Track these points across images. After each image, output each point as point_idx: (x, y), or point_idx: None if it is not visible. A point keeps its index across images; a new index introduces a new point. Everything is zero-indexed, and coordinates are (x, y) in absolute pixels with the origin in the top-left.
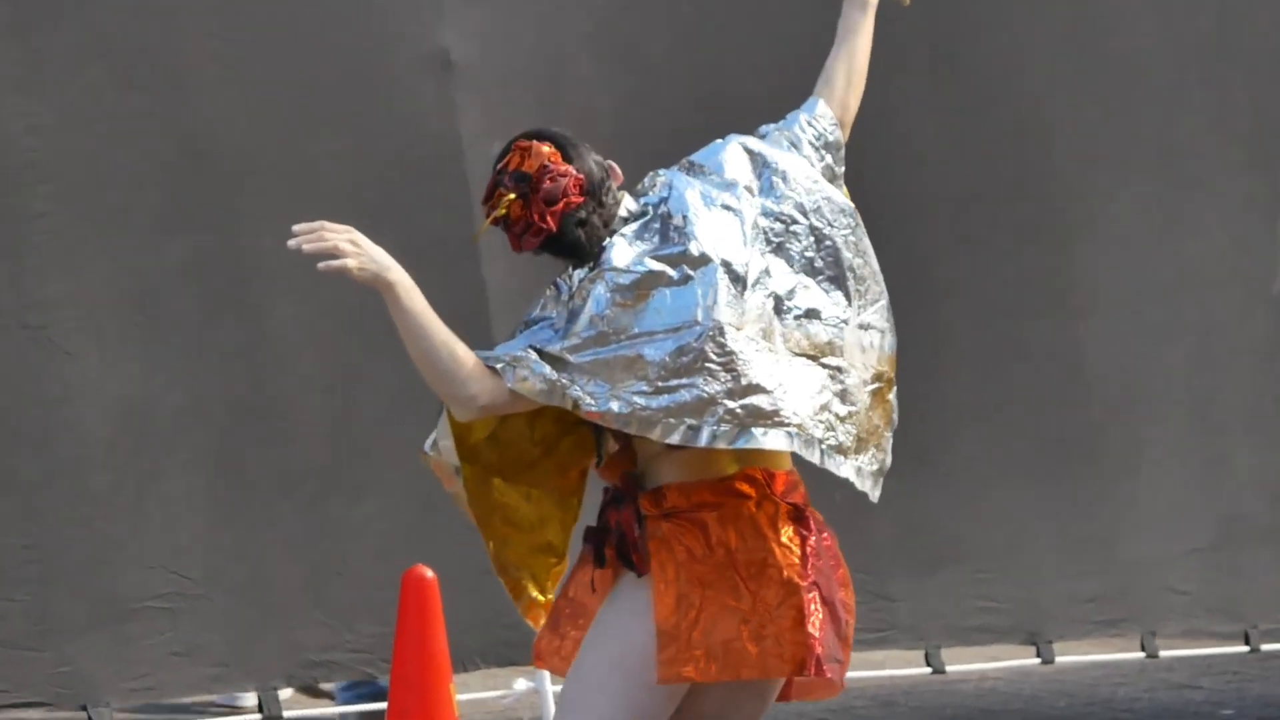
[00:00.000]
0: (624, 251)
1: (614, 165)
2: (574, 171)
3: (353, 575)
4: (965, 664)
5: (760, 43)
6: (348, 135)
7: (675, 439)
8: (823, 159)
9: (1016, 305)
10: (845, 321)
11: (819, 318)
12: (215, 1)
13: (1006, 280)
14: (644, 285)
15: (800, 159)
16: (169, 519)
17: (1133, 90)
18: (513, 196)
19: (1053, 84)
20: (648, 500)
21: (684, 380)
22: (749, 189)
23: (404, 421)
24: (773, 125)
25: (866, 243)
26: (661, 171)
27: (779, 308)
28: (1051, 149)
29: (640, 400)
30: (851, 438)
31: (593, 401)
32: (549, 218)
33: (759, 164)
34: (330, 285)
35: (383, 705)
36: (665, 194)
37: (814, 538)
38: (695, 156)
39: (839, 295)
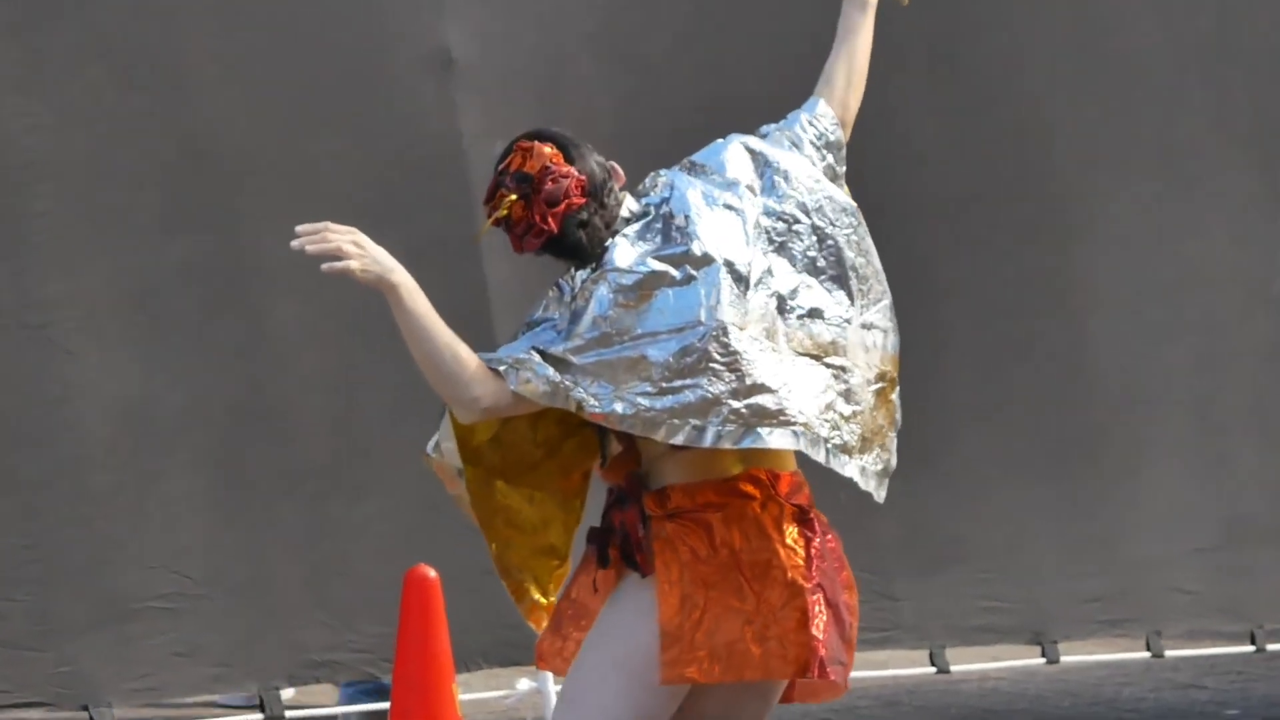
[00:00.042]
0: (626, 252)
1: (616, 166)
2: (576, 173)
3: (355, 575)
4: (969, 664)
5: (761, 42)
6: (348, 135)
7: (680, 440)
8: (824, 159)
9: (1018, 305)
10: (848, 321)
11: (822, 317)
12: (215, 1)
13: (1008, 280)
14: (647, 286)
15: (802, 158)
16: (170, 519)
17: (1133, 90)
18: (514, 197)
19: (1053, 84)
20: (652, 500)
21: (688, 381)
22: (751, 188)
23: (406, 421)
24: (774, 125)
25: (869, 242)
26: (663, 172)
27: (782, 307)
28: (1052, 149)
29: (644, 401)
30: (856, 437)
31: (596, 403)
32: (550, 219)
33: (761, 163)
34: (332, 284)
35: (385, 705)
36: (667, 194)
37: (818, 539)
38: (696, 156)
39: (842, 295)
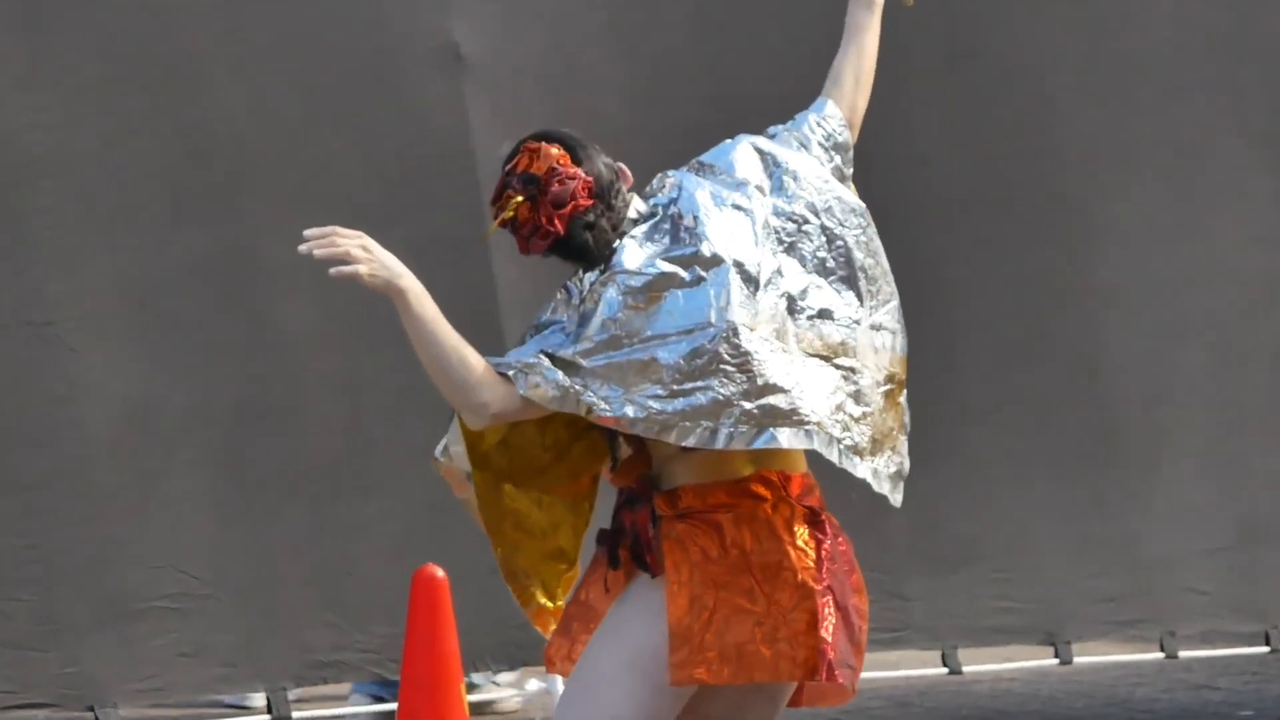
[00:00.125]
0: (635, 253)
1: (623, 167)
2: (582, 174)
3: (362, 575)
4: (981, 664)
5: (771, 38)
6: (355, 132)
7: (692, 442)
8: (832, 160)
9: (1032, 305)
10: (857, 322)
11: (832, 318)
12: None
13: (1021, 279)
14: (656, 287)
15: (810, 159)
16: (174, 518)
17: (1144, 88)
18: (520, 199)
19: (1063, 82)
20: (663, 501)
21: (699, 383)
22: (760, 188)
23: (412, 420)
24: (781, 126)
25: (878, 243)
26: (670, 172)
27: (792, 308)
28: (1062, 148)
29: (655, 404)
30: (867, 439)
31: (607, 406)
32: (556, 221)
33: (769, 163)
34: (338, 284)
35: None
36: (675, 195)
37: (829, 542)
38: (705, 157)
39: (851, 296)
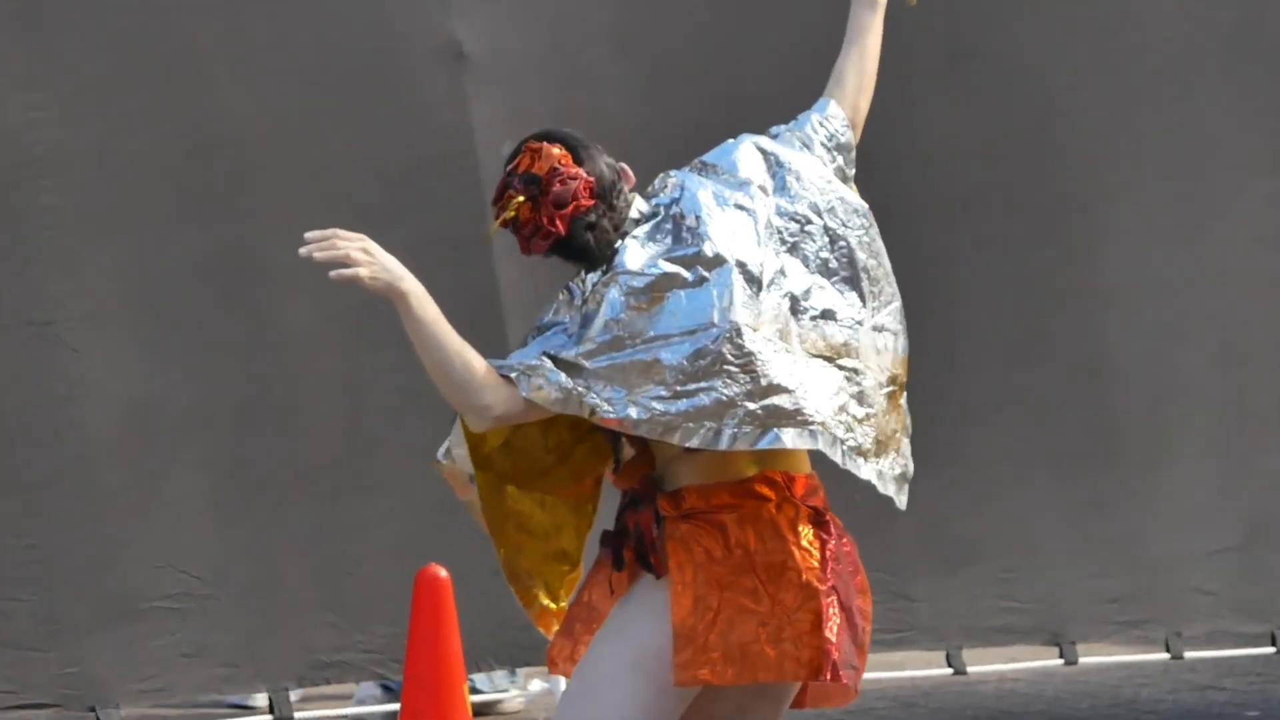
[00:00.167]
0: (637, 254)
1: (625, 167)
2: (584, 174)
3: (364, 575)
4: (986, 665)
5: (773, 37)
6: (358, 130)
7: (696, 443)
8: (834, 160)
9: (1036, 304)
10: (860, 323)
11: (835, 318)
12: None
13: (1025, 279)
14: (658, 288)
15: (813, 159)
16: (176, 518)
17: (1150, 87)
18: (522, 199)
19: (1068, 82)
20: (666, 502)
21: (702, 383)
22: (763, 188)
23: (415, 420)
24: (784, 126)
25: (880, 244)
26: (672, 172)
27: (795, 308)
28: (1068, 146)
29: (659, 405)
30: (870, 440)
31: (610, 408)
32: (558, 221)
33: (772, 163)
34: (340, 283)
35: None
36: (677, 194)
37: (834, 542)
38: (707, 156)
39: (854, 296)
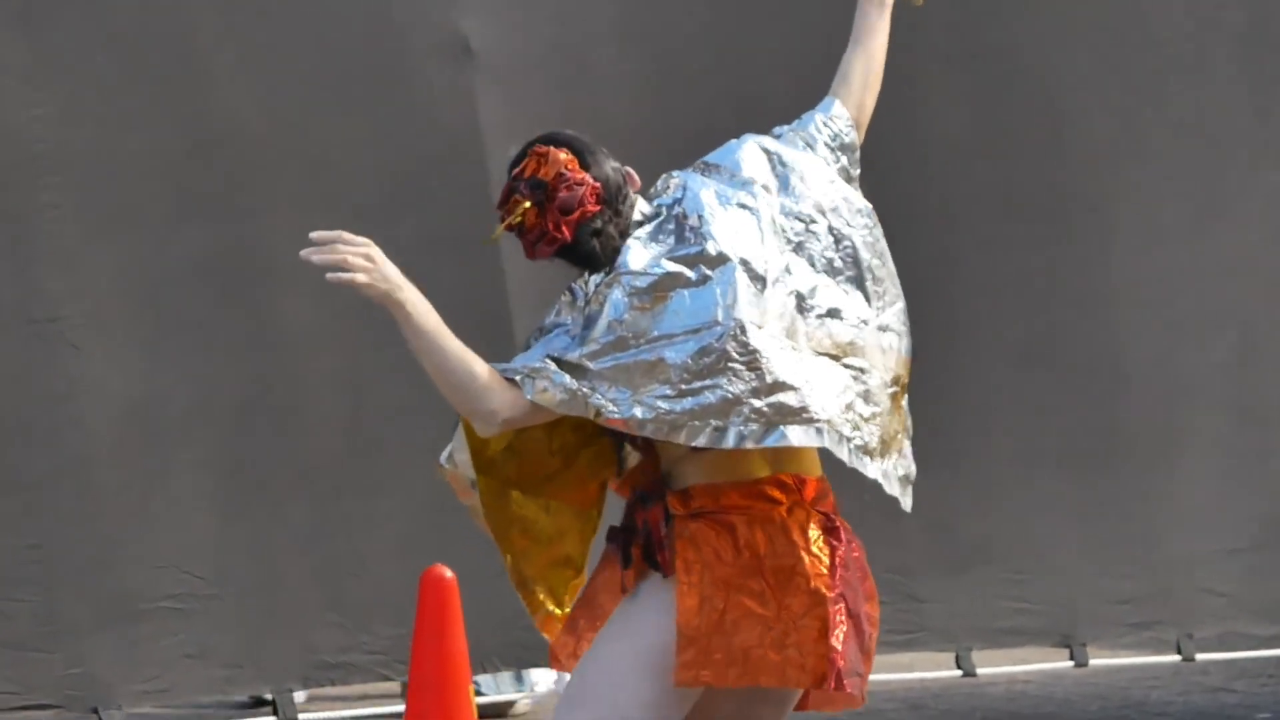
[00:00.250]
0: (640, 254)
1: (631, 171)
2: (591, 180)
3: (367, 575)
4: (996, 666)
5: (782, 34)
6: (362, 126)
7: (702, 441)
8: (838, 160)
9: (1048, 301)
10: (866, 322)
11: (840, 317)
12: None
13: (1037, 276)
14: (662, 287)
15: (816, 158)
16: (178, 518)
17: (1159, 83)
18: (528, 205)
19: (1078, 78)
20: (675, 500)
21: (707, 381)
22: (766, 188)
23: (418, 419)
24: (787, 126)
25: (884, 244)
26: (674, 173)
27: (801, 306)
28: (1078, 144)
29: (664, 404)
30: (876, 439)
31: (615, 408)
32: (564, 227)
33: (775, 163)
34: None
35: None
36: (679, 195)
37: (843, 548)
38: (710, 157)
39: (859, 296)
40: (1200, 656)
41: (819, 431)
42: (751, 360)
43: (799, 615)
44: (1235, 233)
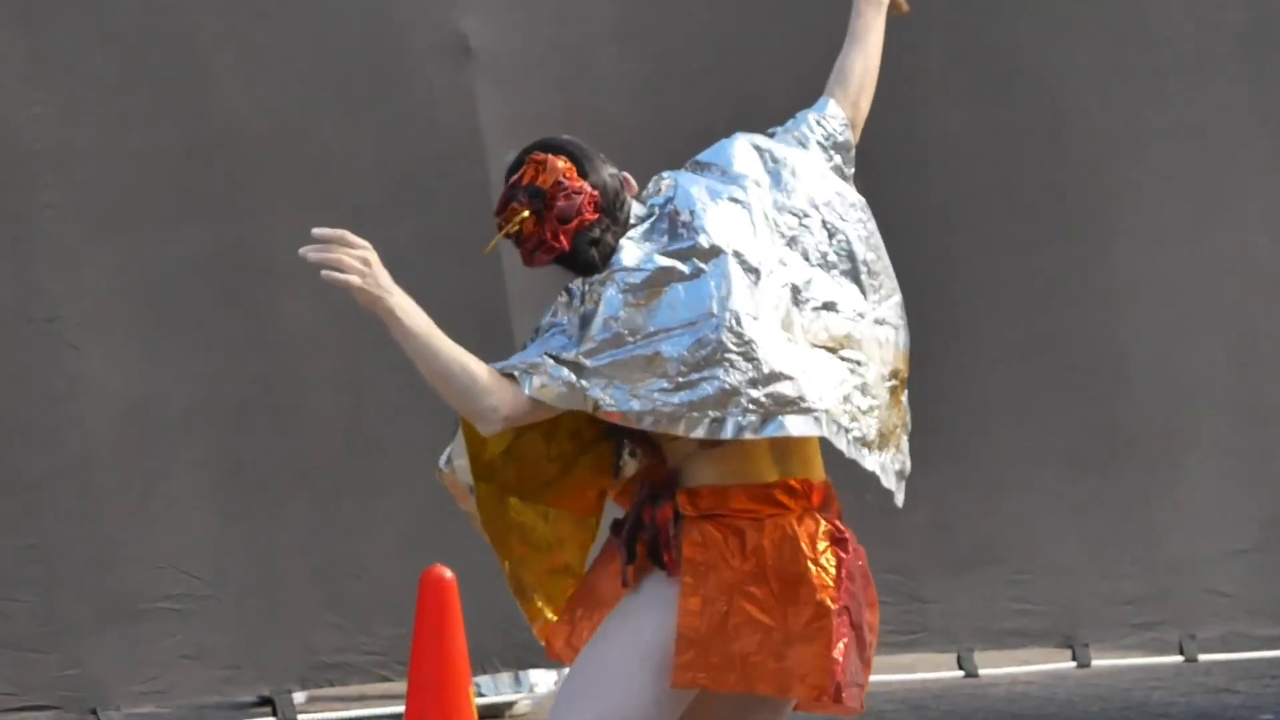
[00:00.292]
0: (633, 252)
1: (628, 176)
2: (589, 188)
3: (368, 575)
4: (998, 667)
5: (782, 34)
6: (362, 126)
7: (700, 433)
8: (831, 159)
9: (1050, 301)
10: (862, 315)
11: (836, 310)
12: None
13: (1040, 275)
14: (655, 282)
15: (809, 154)
16: (177, 518)
17: (1159, 84)
18: (526, 214)
19: (1078, 78)
20: (685, 499)
21: (704, 373)
22: (757, 182)
23: (418, 419)
24: (780, 127)
25: (878, 238)
26: (666, 174)
27: (797, 298)
28: (1078, 144)
29: (662, 397)
30: (874, 432)
31: (613, 402)
32: (562, 236)
33: (767, 159)
34: None
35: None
36: (671, 194)
37: (850, 559)
38: (701, 156)
39: (854, 289)
40: (1203, 657)
41: (817, 421)
42: (747, 350)
43: (801, 625)
44: (1236, 233)
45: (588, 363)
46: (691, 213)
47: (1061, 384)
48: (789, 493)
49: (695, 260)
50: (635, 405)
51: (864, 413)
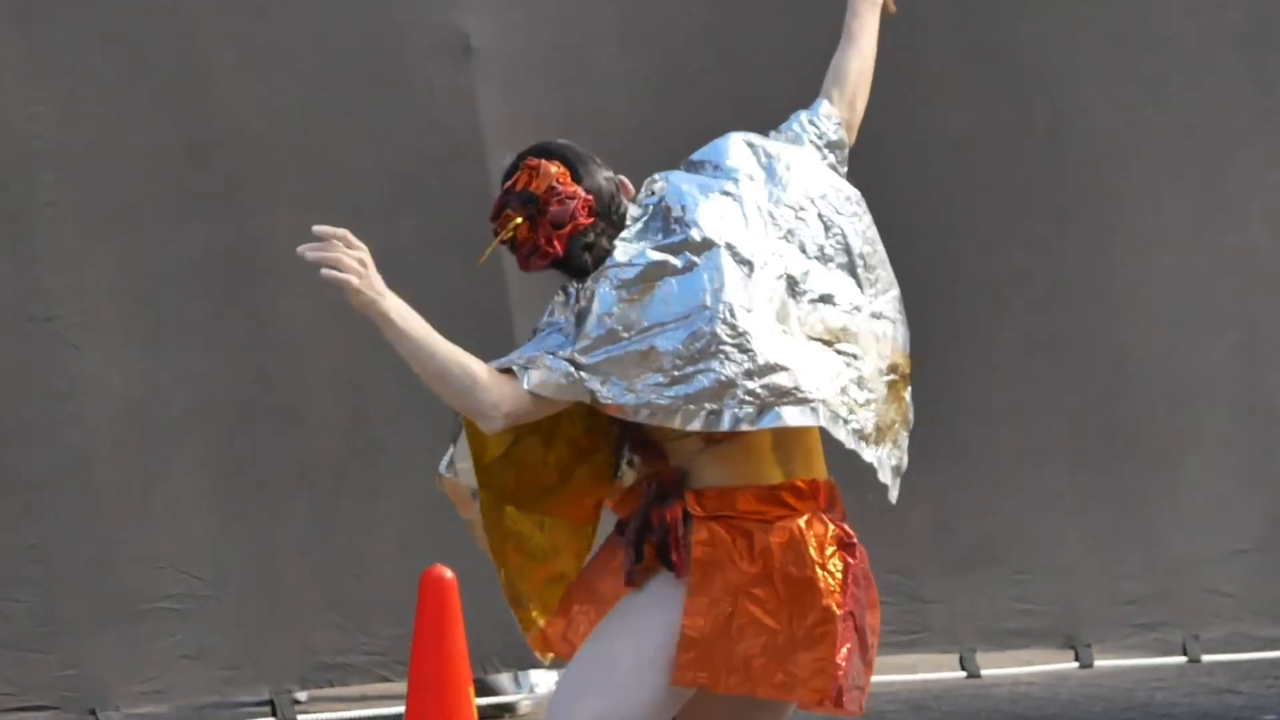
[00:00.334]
0: (626, 250)
1: (624, 180)
2: (582, 193)
3: (367, 575)
4: (1000, 668)
5: (782, 34)
6: (363, 124)
7: (697, 425)
8: (824, 158)
9: (1053, 299)
10: (858, 308)
11: (833, 302)
12: None
13: (1043, 273)
14: (649, 277)
15: (803, 150)
16: (177, 518)
17: (1163, 82)
18: (519, 220)
19: (1082, 76)
20: (693, 499)
21: (699, 366)
22: (750, 176)
23: (419, 418)
24: (774, 130)
25: (874, 232)
26: (658, 175)
27: (793, 290)
28: (1082, 142)
29: (657, 391)
30: (871, 425)
31: (610, 396)
32: (555, 241)
33: (761, 155)
34: None
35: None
36: (663, 193)
37: (856, 564)
38: (695, 155)
39: (851, 283)
40: (1206, 658)
41: (814, 410)
42: (741, 342)
43: (805, 629)
44: (1237, 232)
45: (584, 360)
46: (683, 207)
47: (1062, 384)
48: (796, 494)
49: (688, 254)
50: (631, 399)
51: (861, 406)
